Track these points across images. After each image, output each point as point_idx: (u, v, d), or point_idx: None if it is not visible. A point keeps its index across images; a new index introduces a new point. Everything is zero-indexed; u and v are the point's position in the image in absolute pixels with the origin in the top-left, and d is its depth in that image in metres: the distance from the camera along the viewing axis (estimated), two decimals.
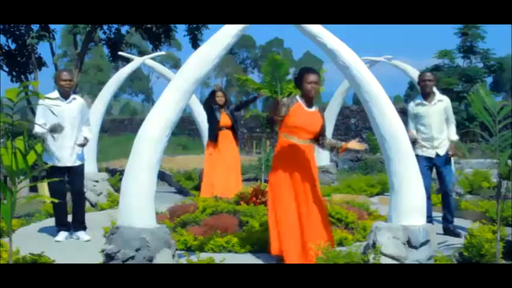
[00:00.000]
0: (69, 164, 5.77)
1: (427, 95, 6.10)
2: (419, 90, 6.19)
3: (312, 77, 4.68)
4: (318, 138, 4.81)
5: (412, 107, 6.21)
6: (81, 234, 5.91)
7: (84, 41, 12.69)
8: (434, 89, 6.17)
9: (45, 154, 5.53)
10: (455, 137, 6.10)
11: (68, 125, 5.71)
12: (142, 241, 3.86)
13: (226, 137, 8.02)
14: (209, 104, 8.09)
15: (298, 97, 4.75)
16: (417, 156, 5.68)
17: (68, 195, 6.16)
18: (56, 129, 5.47)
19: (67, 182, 5.97)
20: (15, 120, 3.28)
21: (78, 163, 5.85)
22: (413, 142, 5.59)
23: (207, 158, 8.16)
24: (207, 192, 7.76)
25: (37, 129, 5.48)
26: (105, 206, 7.80)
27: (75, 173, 5.87)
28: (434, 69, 19.80)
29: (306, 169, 4.70)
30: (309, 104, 4.74)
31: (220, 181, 7.84)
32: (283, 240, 4.64)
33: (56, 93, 5.74)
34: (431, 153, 6.03)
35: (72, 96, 5.84)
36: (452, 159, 6.23)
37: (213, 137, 8.06)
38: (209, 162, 8.08)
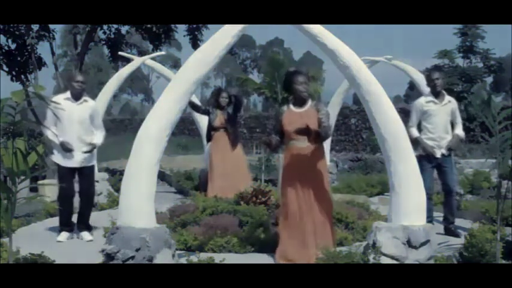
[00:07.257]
0: (77, 165, 5.78)
1: (437, 94, 6.04)
2: (430, 90, 6.09)
3: (301, 78, 4.76)
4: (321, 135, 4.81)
5: (422, 103, 6.09)
6: (85, 234, 5.93)
7: (84, 41, 12.69)
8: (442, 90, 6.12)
9: (56, 154, 5.65)
10: (461, 132, 6.03)
11: (77, 126, 5.72)
12: (142, 241, 3.86)
13: (221, 138, 7.98)
14: (207, 107, 8.18)
15: (289, 105, 4.85)
16: (421, 156, 5.66)
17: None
18: (66, 148, 5.61)
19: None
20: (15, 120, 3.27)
21: (87, 164, 5.86)
22: (413, 141, 5.54)
23: (210, 162, 8.15)
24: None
25: (50, 137, 5.57)
26: (105, 206, 7.81)
27: (84, 174, 5.88)
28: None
29: (313, 173, 4.73)
30: (301, 104, 4.78)
31: (222, 182, 7.75)
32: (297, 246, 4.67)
33: (67, 94, 5.78)
34: (436, 152, 5.96)
35: (84, 98, 5.84)
36: (453, 158, 6.18)
37: (207, 138, 8.20)
38: (210, 166, 8.07)
